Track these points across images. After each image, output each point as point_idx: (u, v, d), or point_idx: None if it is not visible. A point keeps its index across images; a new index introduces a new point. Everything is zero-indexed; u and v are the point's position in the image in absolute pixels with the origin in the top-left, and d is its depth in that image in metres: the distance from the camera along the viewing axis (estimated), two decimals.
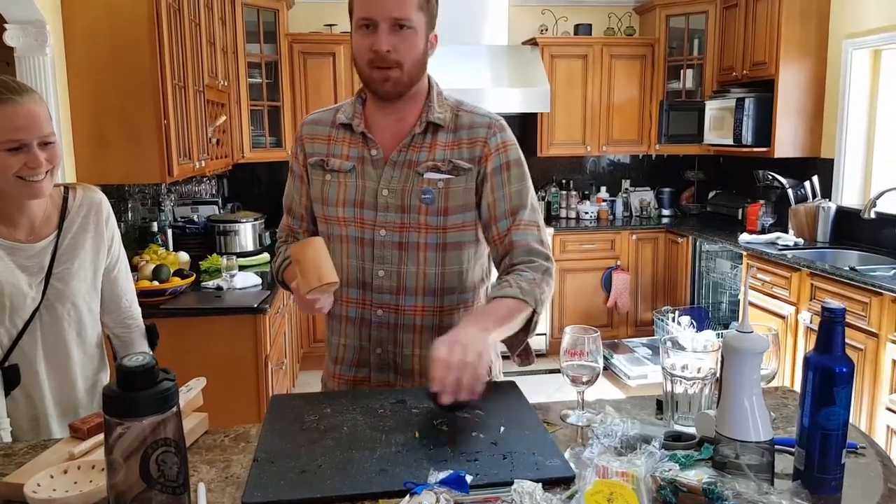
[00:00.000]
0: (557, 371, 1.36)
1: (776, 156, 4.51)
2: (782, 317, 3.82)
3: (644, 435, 1.15)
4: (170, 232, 3.84)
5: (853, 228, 4.15)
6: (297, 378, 4.35)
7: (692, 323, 4.48)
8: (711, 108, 5.02)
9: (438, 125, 1.52)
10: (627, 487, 0.95)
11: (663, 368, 1.27)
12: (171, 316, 2.83)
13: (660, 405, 1.36)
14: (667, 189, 5.71)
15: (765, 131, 4.55)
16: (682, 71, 5.34)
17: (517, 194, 1.51)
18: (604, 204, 5.55)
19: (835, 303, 1.03)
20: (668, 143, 5.38)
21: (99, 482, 1.05)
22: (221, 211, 4.57)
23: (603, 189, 5.68)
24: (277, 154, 4.80)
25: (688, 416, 1.25)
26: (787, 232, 4.34)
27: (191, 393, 1.33)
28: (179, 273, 3.15)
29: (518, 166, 1.53)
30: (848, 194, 4.31)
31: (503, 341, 1.47)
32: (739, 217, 5.07)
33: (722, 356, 1.08)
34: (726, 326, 4.72)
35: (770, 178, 4.69)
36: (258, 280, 3.35)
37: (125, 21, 2.82)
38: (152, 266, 3.03)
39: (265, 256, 3.93)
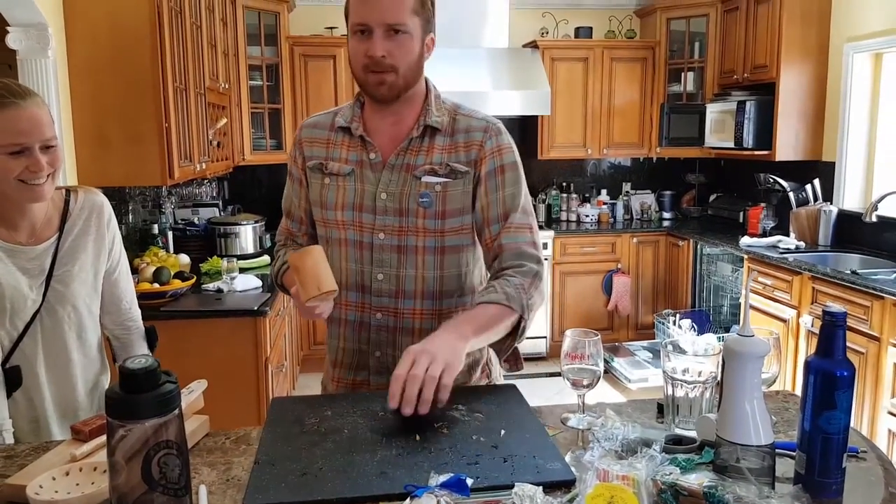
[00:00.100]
0: (558, 374, 1.36)
1: (777, 159, 4.51)
2: (784, 320, 3.82)
3: (645, 438, 1.15)
4: (170, 234, 3.85)
5: (854, 232, 4.15)
6: (298, 381, 4.35)
7: (693, 326, 4.48)
8: (712, 110, 5.02)
9: (436, 129, 1.52)
10: (628, 491, 0.95)
11: (664, 372, 1.27)
12: (172, 318, 2.83)
13: (660, 409, 1.36)
14: (667, 192, 5.71)
15: (766, 134, 4.55)
16: (682, 74, 5.35)
17: (510, 198, 1.51)
18: (604, 207, 5.56)
19: (836, 306, 1.03)
20: (668, 145, 5.38)
21: (101, 484, 1.05)
22: (222, 213, 4.57)
23: (603, 192, 5.69)
24: (278, 156, 4.81)
25: (689, 420, 1.25)
26: (788, 235, 4.34)
27: (192, 395, 1.33)
28: (180, 275, 3.15)
29: (513, 170, 1.52)
30: (849, 197, 4.31)
31: (491, 346, 1.47)
32: (740, 220, 5.07)
33: (723, 360, 1.08)
34: (727, 330, 4.72)
35: (771, 181, 4.69)
36: (258, 282, 3.35)
37: (127, 23, 2.82)
38: (153, 268, 3.04)
39: (266, 259, 3.93)
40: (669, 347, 1.28)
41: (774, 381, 1.27)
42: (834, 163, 4.36)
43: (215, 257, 3.68)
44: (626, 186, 5.79)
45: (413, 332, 1.54)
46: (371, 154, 1.52)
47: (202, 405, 1.35)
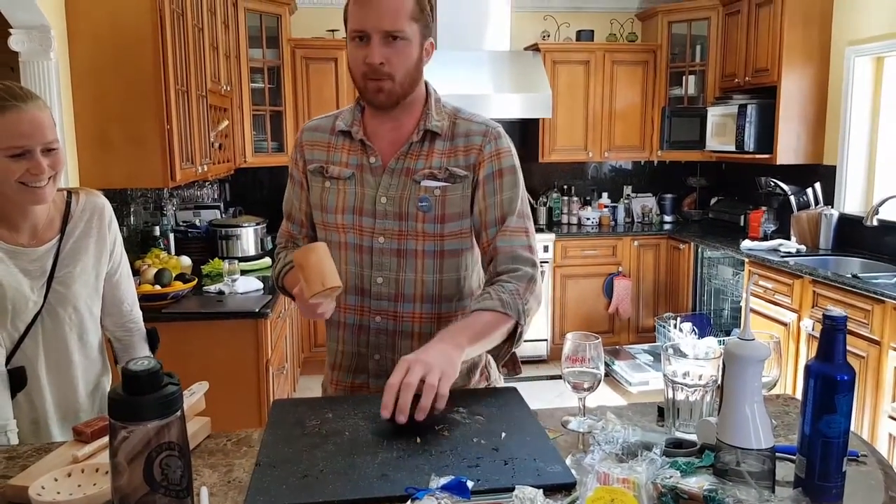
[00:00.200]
0: (558, 377, 1.36)
1: (778, 162, 4.52)
2: (784, 324, 3.82)
3: (645, 442, 1.15)
4: (172, 236, 3.85)
5: (855, 236, 4.15)
6: (298, 383, 4.35)
7: (694, 330, 4.48)
8: (713, 114, 5.03)
9: (436, 133, 1.52)
10: (629, 494, 0.95)
11: (665, 375, 1.28)
12: (173, 320, 2.84)
13: (661, 412, 1.36)
14: (669, 195, 5.71)
15: (767, 138, 4.55)
16: (684, 77, 5.36)
17: (507, 201, 1.51)
18: (605, 210, 5.56)
19: (836, 310, 1.03)
20: (669, 149, 5.38)
21: (103, 485, 1.05)
22: (223, 215, 4.58)
23: (605, 195, 5.69)
24: (279, 159, 4.81)
25: (689, 423, 1.25)
26: (789, 239, 4.34)
27: (193, 397, 1.33)
28: (181, 277, 3.16)
29: (511, 174, 1.52)
30: (850, 201, 4.31)
31: (489, 352, 1.47)
32: (741, 224, 5.07)
33: (723, 363, 1.09)
34: (728, 333, 4.72)
35: (772, 184, 4.69)
36: (260, 284, 3.35)
37: (129, 25, 2.83)
38: (154, 270, 3.04)
39: (267, 261, 3.93)
40: (670, 351, 1.28)
41: (775, 384, 1.27)
42: (835, 166, 4.36)
43: (216, 259, 3.68)
44: (627, 189, 5.79)
45: (412, 335, 1.55)
46: (371, 158, 1.53)
47: (203, 407, 1.36)
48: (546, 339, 5.15)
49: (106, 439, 1.06)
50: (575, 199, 5.61)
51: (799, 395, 1.11)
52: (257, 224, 4.11)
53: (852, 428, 1.06)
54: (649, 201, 5.70)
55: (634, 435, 1.18)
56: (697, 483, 1.01)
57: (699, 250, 4.98)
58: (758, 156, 4.64)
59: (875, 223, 3.84)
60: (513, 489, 1.00)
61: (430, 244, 1.51)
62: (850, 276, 3.48)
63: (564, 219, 5.59)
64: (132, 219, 3.62)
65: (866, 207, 4.12)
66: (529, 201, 1.64)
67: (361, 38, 1.41)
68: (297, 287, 1.38)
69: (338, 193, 1.54)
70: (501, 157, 1.52)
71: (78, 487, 1.08)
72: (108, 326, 1.75)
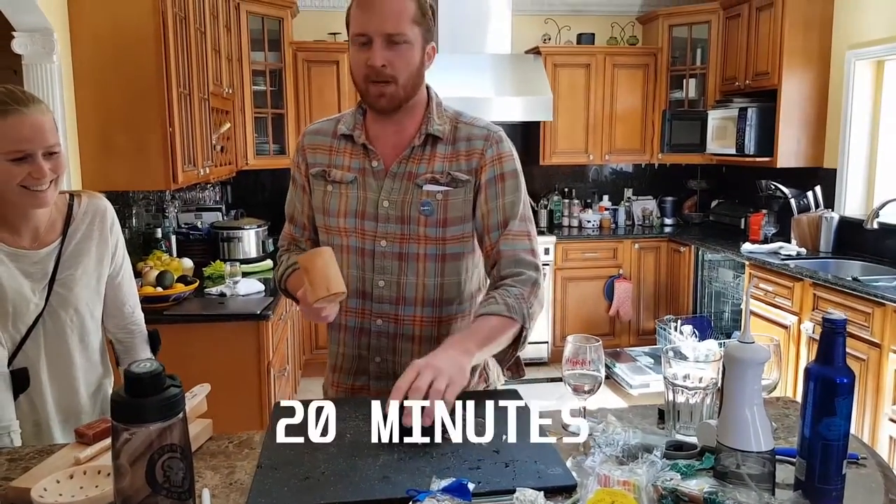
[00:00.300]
0: (559, 380, 1.36)
1: (779, 165, 4.52)
2: (785, 327, 3.82)
3: (645, 444, 1.16)
4: (174, 238, 3.86)
5: (856, 239, 4.15)
6: (299, 385, 4.35)
7: (694, 332, 4.48)
8: (714, 117, 5.03)
9: (437, 137, 1.52)
10: (629, 496, 0.95)
11: (665, 378, 1.28)
12: (175, 322, 2.84)
13: (661, 414, 1.36)
14: (669, 198, 5.71)
15: (767, 141, 4.56)
16: (684, 80, 5.36)
17: (510, 205, 1.52)
18: (606, 213, 5.56)
19: (836, 313, 1.04)
20: (670, 152, 5.39)
21: (105, 487, 1.06)
22: (225, 217, 4.59)
23: (605, 198, 5.69)
24: (281, 161, 4.82)
25: (689, 426, 1.25)
26: (789, 242, 4.34)
27: (195, 399, 1.34)
28: (183, 279, 3.16)
29: (513, 177, 1.53)
30: (851, 204, 4.31)
31: (493, 356, 1.48)
32: (742, 226, 5.07)
33: (723, 366, 1.09)
34: (729, 336, 4.72)
35: (773, 187, 4.69)
36: (261, 287, 3.36)
37: (131, 29, 2.84)
38: (156, 272, 3.04)
39: (268, 263, 3.94)
40: (670, 353, 1.28)
41: (775, 387, 1.27)
42: (835, 169, 4.37)
43: (218, 261, 3.69)
44: (628, 192, 5.79)
45: (413, 338, 1.55)
46: (373, 162, 1.53)
47: (205, 409, 1.36)
48: (547, 342, 5.15)
49: (108, 441, 1.07)
50: (576, 201, 5.62)
51: (799, 398, 1.11)
52: (259, 226, 4.11)
53: (852, 431, 1.06)
54: (650, 204, 5.70)
55: (635, 437, 1.18)
56: (698, 485, 1.01)
57: (700, 253, 4.98)
58: (758, 159, 4.64)
59: (875, 226, 3.84)
60: (514, 491, 1.00)
61: (431, 248, 1.52)
62: (850, 278, 3.48)
63: (565, 221, 5.59)
64: (134, 221, 3.62)
65: (867, 210, 4.12)
66: (530, 204, 1.64)
67: (364, 41, 1.42)
68: (301, 290, 1.38)
69: (340, 197, 1.54)
70: (503, 161, 1.53)
71: (80, 489, 1.09)
72: (109, 328, 1.75)
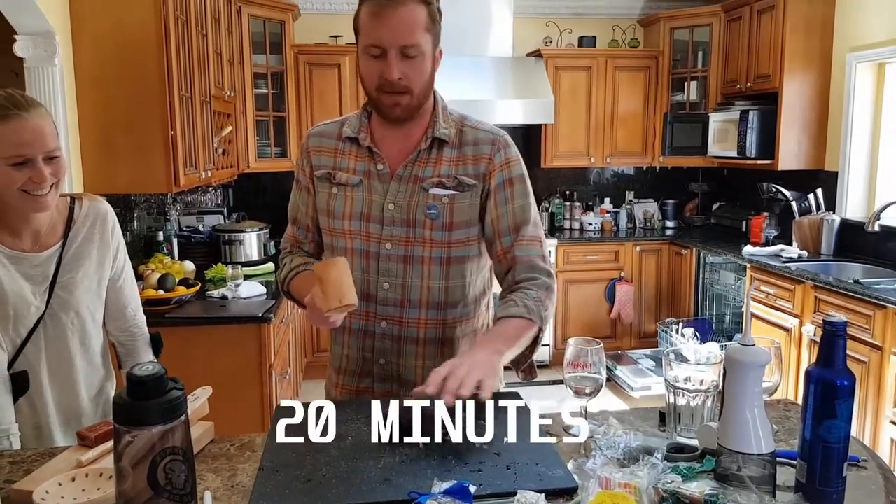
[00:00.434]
0: (561, 382, 1.36)
1: (780, 168, 4.52)
2: (786, 329, 3.82)
3: (647, 446, 1.16)
4: (175, 241, 3.86)
5: (857, 241, 4.15)
6: (301, 387, 4.35)
7: (696, 335, 4.48)
8: (715, 120, 5.03)
9: (444, 141, 1.53)
10: (630, 499, 0.95)
11: (666, 380, 1.28)
12: (176, 325, 2.84)
13: (662, 417, 1.37)
14: (671, 201, 5.71)
15: (769, 144, 4.56)
16: (686, 83, 5.36)
17: (520, 210, 1.53)
18: (607, 215, 5.56)
19: (837, 316, 1.04)
20: (672, 154, 5.39)
21: (107, 490, 1.06)
22: (227, 220, 4.59)
23: (607, 200, 5.69)
24: (283, 164, 4.82)
25: (690, 428, 1.26)
26: (790, 244, 4.34)
27: (197, 402, 1.34)
28: (184, 282, 3.16)
29: (521, 182, 1.54)
30: (852, 207, 4.31)
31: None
32: (743, 229, 5.07)
33: (724, 369, 1.09)
34: (730, 338, 4.72)
35: (774, 190, 4.69)
36: (263, 289, 3.36)
37: (133, 32, 2.84)
38: (158, 275, 3.05)
39: (270, 266, 3.94)
40: (672, 356, 1.29)
41: (776, 389, 1.27)
42: (836, 172, 4.37)
43: (220, 264, 3.69)
44: (630, 195, 5.79)
45: (417, 341, 1.55)
46: (379, 165, 1.53)
47: (207, 411, 1.36)
48: (548, 344, 5.15)
49: (110, 444, 1.07)
50: (577, 204, 5.62)
51: (800, 401, 1.11)
52: (260, 229, 4.12)
53: (853, 433, 1.06)
54: (651, 207, 5.70)
55: (636, 440, 1.18)
56: (698, 488, 1.01)
57: (701, 255, 4.98)
58: (759, 161, 4.64)
59: (876, 229, 3.84)
60: (515, 493, 1.01)
61: (436, 251, 1.52)
62: (851, 281, 3.48)
63: (567, 224, 5.59)
64: (136, 224, 3.63)
65: (868, 213, 4.12)
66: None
67: (377, 53, 1.41)
68: (309, 297, 1.38)
69: (345, 199, 1.55)
70: (511, 165, 1.53)
71: (82, 492, 1.09)
72: (111, 331, 1.75)
